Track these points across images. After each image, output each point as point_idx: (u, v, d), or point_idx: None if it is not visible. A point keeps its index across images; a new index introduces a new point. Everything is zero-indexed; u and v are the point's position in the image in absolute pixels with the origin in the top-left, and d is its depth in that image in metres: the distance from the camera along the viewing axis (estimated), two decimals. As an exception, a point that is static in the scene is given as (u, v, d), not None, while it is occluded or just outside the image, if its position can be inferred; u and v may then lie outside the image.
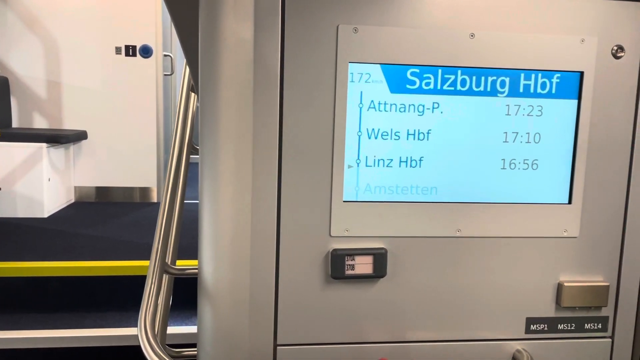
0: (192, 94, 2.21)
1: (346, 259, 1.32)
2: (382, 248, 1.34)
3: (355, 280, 1.35)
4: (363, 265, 1.33)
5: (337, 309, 1.36)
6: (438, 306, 1.39)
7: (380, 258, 1.33)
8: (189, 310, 3.71)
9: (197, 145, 2.37)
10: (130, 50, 6.33)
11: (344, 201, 1.32)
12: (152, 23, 6.38)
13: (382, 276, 1.34)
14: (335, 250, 1.32)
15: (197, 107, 2.41)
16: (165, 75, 6.89)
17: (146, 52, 6.34)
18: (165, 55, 6.87)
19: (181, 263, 2.09)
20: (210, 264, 1.33)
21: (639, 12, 1.34)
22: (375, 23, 1.27)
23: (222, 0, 1.23)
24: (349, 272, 1.32)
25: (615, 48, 1.34)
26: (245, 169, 1.28)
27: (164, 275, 1.67)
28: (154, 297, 1.47)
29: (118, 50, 6.33)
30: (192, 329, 3.48)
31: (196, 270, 1.38)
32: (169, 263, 1.70)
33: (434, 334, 1.40)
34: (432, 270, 1.38)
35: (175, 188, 1.78)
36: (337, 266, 1.32)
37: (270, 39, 1.25)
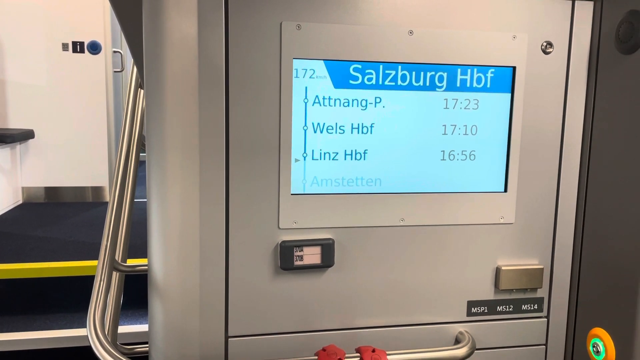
0: (141, 91, 2.19)
1: (295, 251, 1.36)
2: (329, 239, 1.38)
3: (304, 271, 1.39)
4: (311, 255, 1.37)
5: (287, 299, 1.40)
6: (384, 293, 1.45)
7: (328, 248, 1.37)
8: (144, 309, 3.67)
9: (147, 142, 2.35)
10: (77, 47, 6.15)
11: (291, 194, 1.35)
12: (101, 18, 6.22)
13: (330, 266, 1.39)
14: (284, 242, 1.36)
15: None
16: (115, 71, 6.73)
17: (94, 48, 6.18)
18: (114, 52, 6.71)
19: (135, 262, 2.08)
20: (159, 260, 1.34)
21: (566, 9, 1.42)
22: (317, 20, 1.31)
23: None
24: (297, 263, 1.36)
25: (545, 44, 1.42)
26: (192, 165, 1.29)
27: (114, 272, 1.67)
28: (103, 294, 1.46)
29: (65, 46, 6.14)
30: (146, 327, 3.44)
31: (146, 267, 1.39)
32: (119, 260, 1.69)
33: (380, 320, 1.45)
34: (378, 259, 1.43)
35: (124, 185, 1.77)
36: (286, 257, 1.36)
37: (215, 35, 1.27)
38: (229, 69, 1.29)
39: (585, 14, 1.42)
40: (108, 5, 6.25)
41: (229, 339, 1.38)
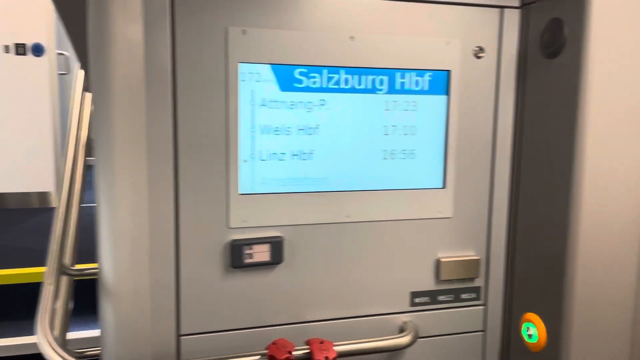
0: (87, 94, 2.17)
1: (245, 249, 1.40)
2: (278, 236, 1.43)
3: (255, 268, 1.43)
4: (261, 253, 1.41)
5: (238, 296, 1.44)
6: (332, 287, 1.51)
7: (277, 246, 1.42)
8: (93, 316, 3.60)
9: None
10: (20, 49, 5.95)
11: (240, 194, 1.40)
12: (44, 19, 6.04)
13: (280, 263, 1.44)
14: (234, 240, 1.40)
15: (94, 107, 2.36)
16: (60, 74, 6.54)
17: (38, 50, 5.99)
18: (59, 54, 6.52)
19: (84, 266, 2.06)
20: (109, 262, 1.35)
21: (495, 16, 1.53)
22: (262, 25, 1.36)
23: (110, 1, 1.25)
24: (247, 260, 1.40)
25: (476, 49, 1.52)
26: (140, 167, 1.31)
27: (62, 276, 1.66)
28: (51, 299, 1.46)
29: (7, 48, 5.93)
30: (95, 333, 3.39)
31: (96, 271, 1.40)
32: (67, 265, 1.68)
33: (328, 313, 1.52)
34: (326, 254, 1.49)
35: (71, 189, 1.76)
36: (236, 256, 1.40)
37: (161, 40, 1.30)
38: (176, 73, 1.32)
39: (512, 21, 1.53)
40: (52, 6, 6.07)
41: (181, 337, 1.41)
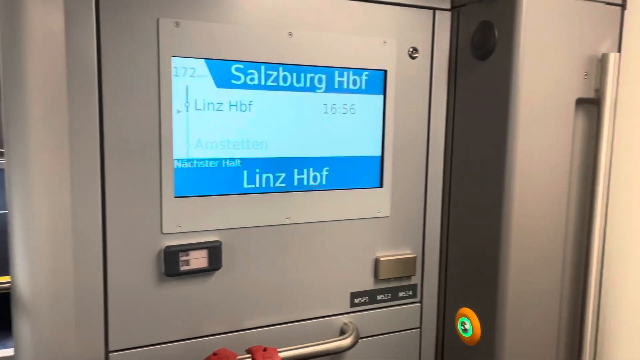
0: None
1: (180, 255, 1.31)
2: (216, 241, 1.36)
3: (191, 276, 1.35)
4: (198, 259, 1.34)
5: (173, 306, 1.35)
6: (272, 292, 1.46)
7: (215, 251, 1.35)
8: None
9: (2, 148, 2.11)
10: None
11: (175, 197, 1.31)
12: None
13: (218, 269, 1.37)
14: (168, 247, 1.31)
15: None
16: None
17: None
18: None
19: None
20: (25, 274, 1.21)
21: (428, 18, 1.55)
22: (197, 18, 1.28)
23: None
24: (183, 267, 1.32)
25: (411, 49, 1.54)
26: (61, 171, 1.19)
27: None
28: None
29: None
30: (8, 352, 3.06)
31: (7, 285, 1.25)
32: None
33: (269, 319, 1.46)
34: (266, 258, 1.44)
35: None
36: (171, 263, 1.31)
37: (84, 31, 1.18)
38: (102, 67, 1.21)
39: (444, 23, 1.56)
40: None
41: (110, 354, 1.30)
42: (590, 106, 1.48)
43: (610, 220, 1.51)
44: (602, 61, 1.44)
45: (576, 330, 1.57)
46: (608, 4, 1.44)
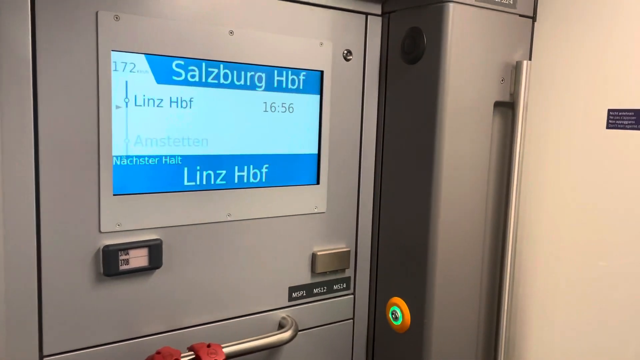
0: None
1: (120, 254, 1.28)
2: (157, 239, 1.34)
3: (130, 275, 1.32)
4: (138, 258, 1.31)
5: (112, 307, 1.31)
6: (212, 289, 1.46)
7: (155, 249, 1.33)
8: None
9: None
10: None
11: (114, 195, 1.28)
12: None
13: (158, 267, 1.35)
14: (107, 246, 1.27)
15: None
16: None
17: None
18: None
19: None
20: None
21: (361, 22, 1.63)
22: (137, 12, 1.26)
23: None
24: (123, 267, 1.29)
25: (345, 52, 1.61)
26: None
27: None
28: None
29: None
30: None
31: None
32: None
33: (209, 316, 1.47)
34: (206, 255, 1.44)
35: None
36: (109, 263, 1.27)
37: (19, 22, 1.13)
38: (37, 62, 1.16)
39: (376, 28, 1.65)
40: None
41: (44, 359, 1.24)
42: (506, 109, 1.63)
43: (522, 215, 1.67)
44: (516, 68, 1.58)
45: (493, 318, 1.71)
46: (521, 16, 1.59)
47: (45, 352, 1.24)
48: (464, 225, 1.57)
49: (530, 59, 1.63)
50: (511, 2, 1.56)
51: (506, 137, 1.65)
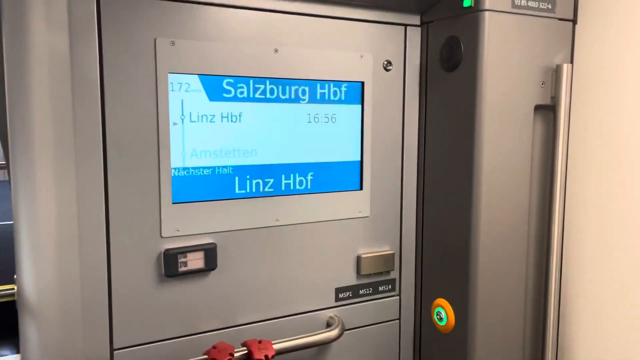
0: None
1: (179, 257, 1.41)
2: (211, 243, 1.46)
3: (188, 276, 1.45)
4: (195, 261, 1.44)
5: (173, 305, 1.44)
6: (263, 289, 1.57)
7: (210, 252, 1.45)
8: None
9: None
10: None
11: (173, 203, 1.41)
12: None
13: (214, 269, 1.47)
14: (167, 250, 1.40)
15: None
16: None
17: None
18: None
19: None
20: (32, 280, 1.29)
21: (400, 33, 1.69)
22: (190, 37, 1.39)
23: (31, 10, 1.21)
24: (182, 269, 1.42)
25: (385, 62, 1.68)
26: (67, 181, 1.28)
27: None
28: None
29: None
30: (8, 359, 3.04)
31: (10, 291, 1.32)
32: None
33: (260, 315, 1.57)
34: (256, 258, 1.55)
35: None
36: (170, 265, 1.40)
37: (88, 50, 1.28)
38: (104, 84, 1.30)
39: (415, 38, 1.71)
40: None
41: (115, 352, 1.38)
42: (548, 112, 1.64)
43: (568, 216, 1.68)
44: (557, 71, 1.60)
45: (540, 319, 1.72)
46: (561, 19, 1.61)
47: (115, 346, 1.38)
48: (506, 227, 1.60)
49: (571, 62, 1.64)
50: (550, 7, 1.58)
51: (549, 139, 1.66)
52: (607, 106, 1.57)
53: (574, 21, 1.64)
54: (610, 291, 1.59)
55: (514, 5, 1.51)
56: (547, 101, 1.61)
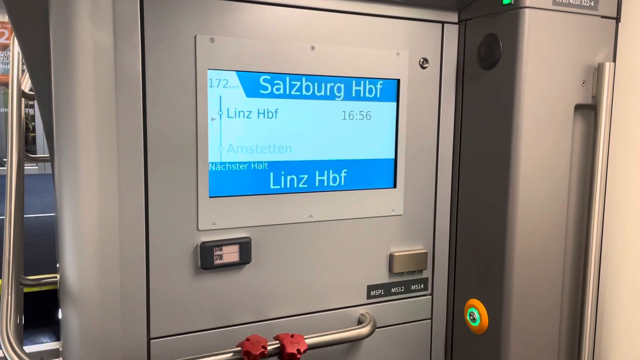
0: (23, 100, 2.08)
1: (215, 250, 1.44)
2: (246, 237, 1.48)
3: (223, 269, 1.47)
4: (230, 254, 1.46)
5: (208, 297, 1.47)
6: (295, 284, 1.58)
7: (245, 246, 1.47)
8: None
9: (31, 154, 2.24)
10: None
11: (210, 197, 1.43)
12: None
13: (248, 262, 1.49)
14: (204, 243, 1.43)
15: (26, 114, 2.24)
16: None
17: None
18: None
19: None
20: (74, 267, 1.34)
21: (437, 31, 1.68)
22: (229, 34, 1.41)
23: (78, 9, 1.25)
24: (217, 261, 1.44)
25: (422, 60, 1.67)
26: (109, 174, 1.31)
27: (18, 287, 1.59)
28: (13, 310, 1.40)
29: None
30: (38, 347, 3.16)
31: (53, 279, 1.37)
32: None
33: (293, 309, 1.59)
34: (290, 253, 1.56)
35: (19, 198, 1.69)
36: (206, 257, 1.43)
37: (131, 47, 1.31)
38: (145, 79, 1.34)
39: (452, 35, 1.69)
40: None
41: (151, 341, 1.42)
42: (588, 111, 1.61)
43: (608, 218, 1.64)
44: (599, 70, 1.56)
45: (577, 321, 1.69)
46: (603, 17, 1.57)
47: (152, 335, 1.41)
48: (543, 228, 1.57)
49: (614, 61, 1.60)
50: (592, 4, 1.54)
51: (589, 140, 1.63)
52: (651, 106, 1.53)
53: (617, 19, 1.60)
54: (651, 296, 1.55)
55: (555, 3, 1.49)
56: (588, 101, 1.58)
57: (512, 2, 1.47)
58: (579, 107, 1.58)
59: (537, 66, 1.49)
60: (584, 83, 1.56)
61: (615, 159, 1.61)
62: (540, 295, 1.60)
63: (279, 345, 1.43)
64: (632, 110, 1.57)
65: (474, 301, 1.68)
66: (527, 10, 1.46)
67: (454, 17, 1.68)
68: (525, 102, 1.49)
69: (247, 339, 1.41)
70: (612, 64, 1.55)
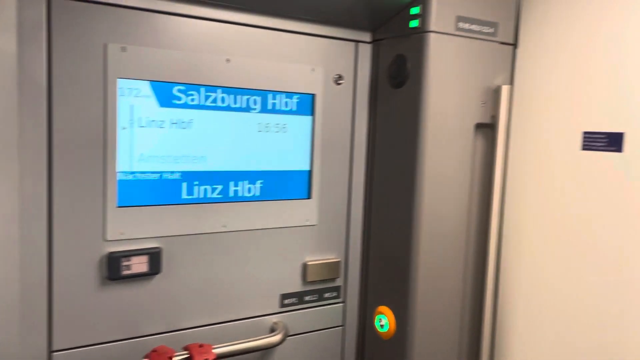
0: None
1: (122, 261, 1.42)
2: (157, 247, 1.48)
3: (132, 279, 1.46)
4: (139, 264, 1.45)
5: (115, 308, 1.45)
6: (208, 294, 1.59)
7: (155, 256, 1.47)
8: None
9: None
10: None
11: (118, 207, 1.42)
12: None
13: (157, 273, 1.48)
14: (111, 253, 1.41)
15: None
16: None
17: None
18: None
19: None
20: None
21: (351, 49, 1.75)
22: (142, 44, 1.41)
23: None
24: (125, 272, 1.43)
25: (336, 76, 1.73)
26: (9, 181, 1.27)
27: None
28: None
29: None
30: None
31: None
32: None
33: (205, 319, 1.59)
34: (202, 263, 1.57)
35: None
36: (113, 268, 1.41)
37: (36, 53, 1.28)
38: (52, 87, 1.31)
39: (366, 54, 1.77)
40: None
41: (53, 353, 1.38)
42: (487, 130, 1.73)
43: (505, 228, 1.76)
44: (497, 92, 1.69)
45: (477, 324, 1.80)
46: (502, 43, 1.70)
47: (53, 347, 1.38)
48: (445, 238, 1.67)
49: (511, 84, 1.73)
50: (492, 31, 1.66)
51: (488, 154, 1.75)
52: (543, 126, 1.66)
53: (515, 45, 1.73)
54: (543, 300, 1.68)
55: (457, 28, 1.59)
56: (487, 120, 1.70)
57: (419, 26, 1.56)
58: (479, 126, 1.69)
59: (441, 86, 1.58)
60: (484, 103, 1.68)
61: (513, 174, 1.74)
62: (443, 302, 1.69)
63: (187, 355, 1.43)
64: (527, 128, 1.70)
65: (383, 308, 1.76)
66: (432, 34, 1.55)
67: (367, 36, 1.76)
68: (430, 120, 1.58)
69: (154, 350, 1.40)
70: (509, 86, 1.68)
